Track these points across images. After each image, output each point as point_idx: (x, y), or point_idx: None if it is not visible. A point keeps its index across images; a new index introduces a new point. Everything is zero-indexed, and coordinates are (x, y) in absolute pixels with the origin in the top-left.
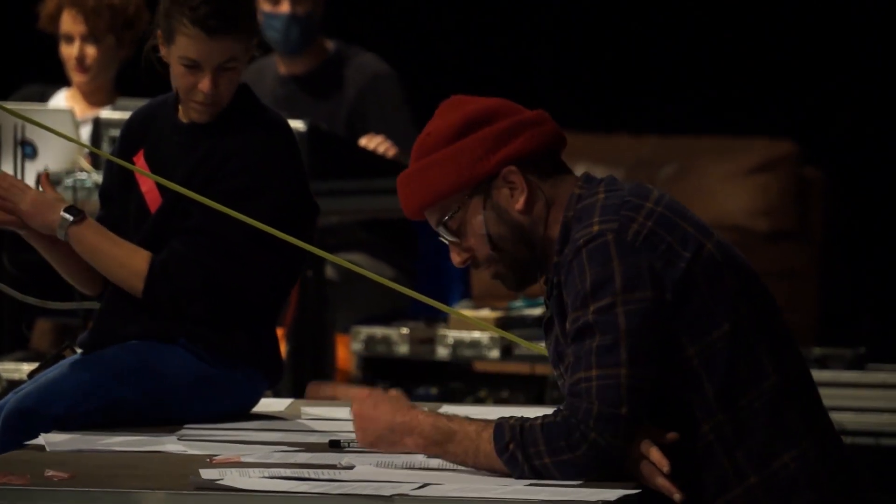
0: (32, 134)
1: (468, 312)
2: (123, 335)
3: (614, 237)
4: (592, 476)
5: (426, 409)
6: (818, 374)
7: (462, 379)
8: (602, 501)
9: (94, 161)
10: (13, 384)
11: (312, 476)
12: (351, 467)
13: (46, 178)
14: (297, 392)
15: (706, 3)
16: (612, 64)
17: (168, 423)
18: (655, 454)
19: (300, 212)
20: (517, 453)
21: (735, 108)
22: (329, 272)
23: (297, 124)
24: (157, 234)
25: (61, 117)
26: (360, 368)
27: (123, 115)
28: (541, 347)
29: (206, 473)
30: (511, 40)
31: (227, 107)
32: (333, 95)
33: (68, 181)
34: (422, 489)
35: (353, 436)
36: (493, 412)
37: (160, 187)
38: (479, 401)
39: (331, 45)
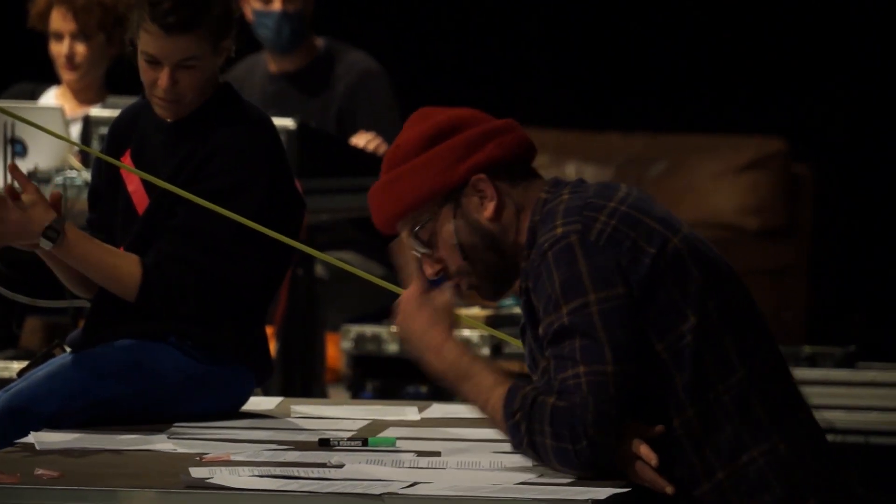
0: (22, 132)
1: (458, 310)
2: (113, 334)
3: (578, 238)
4: (586, 471)
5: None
6: (808, 373)
7: None
8: (592, 500)
9: (84, 159)
10: (3, 382)
11: (302, 475)
12: (341, 466)
13: (14, 169)
14: (287, 390)
15: (696, 2)
16: (602, 62)
17: (158, 421)
18: (645, 449)
19: (286, 208)
20: (522, 424)
21: (725, 106)
22: (319, 270)
23: (286, 122)
24: (146, 234)
25: (51, 115)
26: (349, 366)
27: (113, 113)
28: None
29: (196, 472)
30: (501, 39)
31: (209, 105)
32: (323, 93)
33: (58, 179)
34: (411, 488)
35: (342, 434)
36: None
37: (147, 187)
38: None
39: (320, 42)
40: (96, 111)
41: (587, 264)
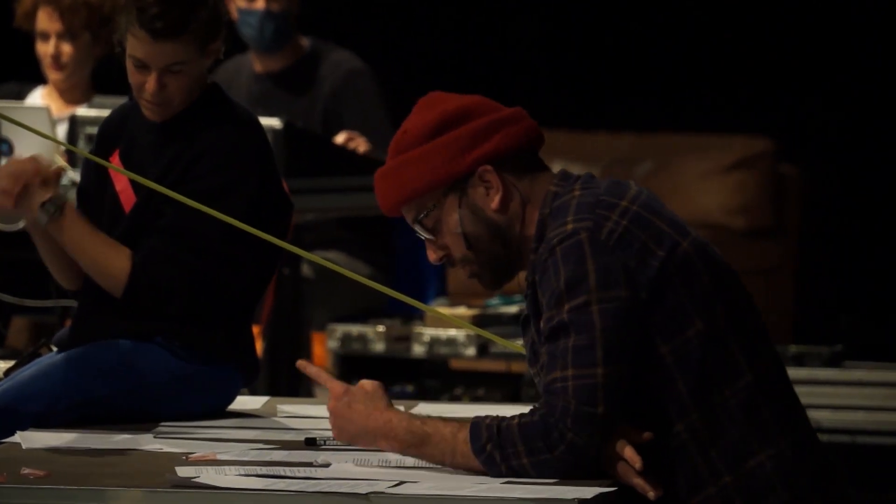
0: (8, 132)
1: (444, 310)
2: (100, 333)
3: (588, 236)
4: (570, 475)
5: (402, 408)
6: (795, 372)
7: (438, 377)
8: (579, 499)
9: (71, 158)
10: None
11: (288, 474)
12: (327, 465)
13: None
14: (274, 390)
15: (683, 2)
16: (588, 61)
17: (144, 420)
18: (629, 452)
19: (273, 208)
20: (495, 453)
21: (712, 106)
22: (305, 270)
23: (272, 122)
24: (133, 233)
25: (38, 115)
26: (336, 366)
27: (100, 113)
28: (517, 345)
29: (183, 471)
30: (489, 38)
31: (197, 106)
32: (309, 93)
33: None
34: (397, 487)
35: (329, 434)
36: (469, 410)
37: (134, 186)
38: (456, 398)
39: (306, 42)
40: (83, 111)
41: (594, 263)
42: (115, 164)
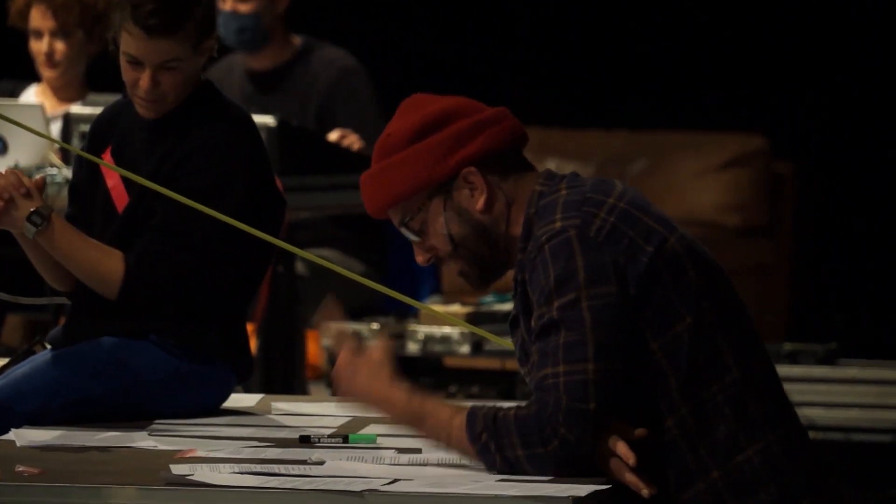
0: (2, 129)
1: (438, 308)
2: (94, 331)
3: (576, 233)
4: (564, 471)
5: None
6: (789, 370)
7: (432, 374)
8: (573, 497)
9: (65, 156)
10: None
11: (283, 471)
12: (321, 463)
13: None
14: (268, 387)
15: (677, 0)
16: (582, 59)
17: (139, 418)
18: (622, 448)
19: (266, 206)
20: (490, 444)
21: (706, 104)
22: (299, 267)
23: (266, 119)
24: (126, 232)
25: (31, 112)
26: (330, 363)
27: (94, 111)
28: (510, 343)
29: (177, 469)
30: (482, 35)
31: (189, 103)
32: (301, 91)
33: (39, 175)
34: (392, 485)
35: (323, 431)
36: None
37: (126, 184)
38: (450, 396)
39: (298, 40)
40: (76, 108)
41: (583, 260)
42: (107, 161)
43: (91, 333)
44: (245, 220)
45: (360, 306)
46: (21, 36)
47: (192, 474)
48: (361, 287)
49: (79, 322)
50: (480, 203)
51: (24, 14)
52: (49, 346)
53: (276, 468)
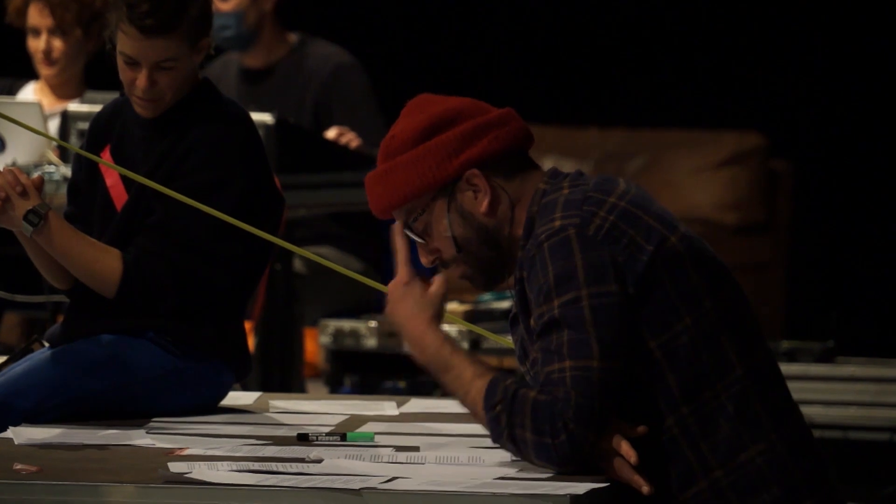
0: (0, 127)
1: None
2: (92, 329)
3: (576, 232)
4: (565, 465)
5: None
6: (787, 368)
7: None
8: (571, 495)
9: (63, 154)
10: None
11: (281, 469)
12: (319, 461)
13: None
14: (266, 385)
15: None
16: (580, 57)
17: (137, 416)
18: (624, 447)
19: (265, 204)
20: (502, 416)
21: (703, 102)
22: (297, 265)
23: (264, 117)
24: (125, 230)
25: (29, 110)
26: (328, 361)
27: (92, 108)
28: (509, 341)
29: (175, 467)
30: (480, 34)
31: (187, 102)
32: (297, 88)
33: (37, 174)
34: (390, 482)
35: (321, 429)
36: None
37: (125, 182)
38: (448, 394)
39: (293, 37)
40: (74, 106)
41: (583, 258)
42: (105, 160)
43: (89, 331)
44: (243, 218)
45: (357, 304)
46: (19, 34)
47: (190, 472)
48: (359, 285)
49: (77, 320)
50: (484, 205)
51: (22, 12)
52: (47, 344)
53: (273, 466)
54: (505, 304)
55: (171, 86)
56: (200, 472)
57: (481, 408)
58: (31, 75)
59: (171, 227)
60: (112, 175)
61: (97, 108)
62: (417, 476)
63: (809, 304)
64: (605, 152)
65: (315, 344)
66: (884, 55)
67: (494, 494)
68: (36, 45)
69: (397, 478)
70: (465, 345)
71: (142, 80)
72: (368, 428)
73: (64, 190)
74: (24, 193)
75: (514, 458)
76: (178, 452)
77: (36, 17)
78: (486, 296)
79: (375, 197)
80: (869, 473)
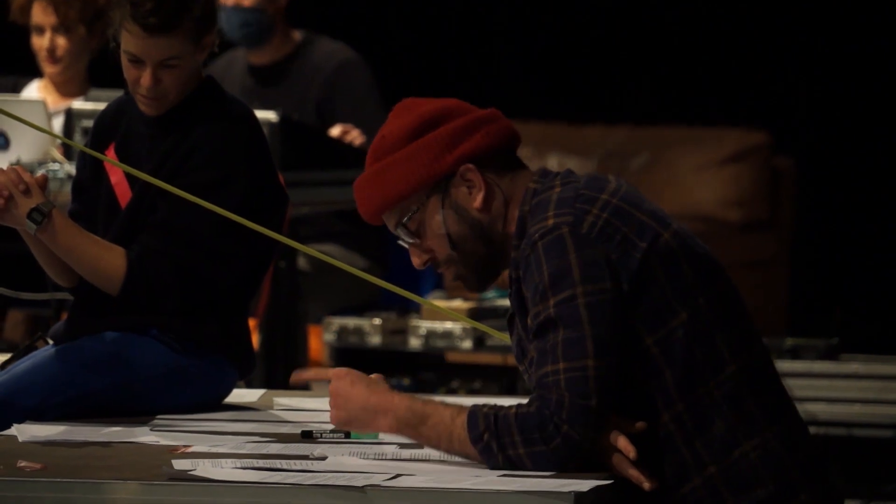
0: (5, 125)
1: (440, 303)
2: (96, 326)
3: (569, 230)
4: (566, 468)
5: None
6: (790, 365)
7: (434, 369)
8: (575, 492)
9: (67, 152)
10: None
11: (285, 467)
12: (323, 458)
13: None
14: (270, 383)
15: None
16: (584, 54)
17: (141, 413)
18: (623, 442)
19: (269, 202)
20: (492, 443)
21: (707, 99)
22: (302, 263)
23: (268, 115)
24: (129, 227)
25: (34, 108)
26: (332, 359)
27: (96, 106)
28: None
29: (179, 464)
30: (483, 30)
31: (192, 100)
32: (302, 85)
33: (41, 172)
34: (394, 480)
35: (325, 426)
36: (465, 402)
37: (130, 180)
38: (452, 391)
39: (298, 35)
40: (79, 104)
41: (577, 256)
42: (110, 157)
43: (93, 329)
44: (247, 215)
45: (361, 302)
46: (23, 32)
47: (194, 469)
48: (363, 282)
49: (81, 317)
50: (479, 200)
51: (26, 10)
52: (51, 342)
53: (277, 463)
54: (508, 302)
55: (174, 84)
56: (204, 469)
57: (469, 443)
58: (35, 73)
59: (174, 225)
60: (116, 173)
61: (101, 105)
62: (421, 473)
63: (813, 301)
64: (608, 149)
65: (319, 341)
66: (888, 53)
67: (498, 492)
68: (40, 42)
69: (401, 475)
70: (469, 343)
71: (146, 78)
72: None
73: (68, 188)
74: (27, 191)
75: None
76: (181, 450)
77: (40, 14)
78: (490, 293)
79: (368, 199)
80: (873, 470)
